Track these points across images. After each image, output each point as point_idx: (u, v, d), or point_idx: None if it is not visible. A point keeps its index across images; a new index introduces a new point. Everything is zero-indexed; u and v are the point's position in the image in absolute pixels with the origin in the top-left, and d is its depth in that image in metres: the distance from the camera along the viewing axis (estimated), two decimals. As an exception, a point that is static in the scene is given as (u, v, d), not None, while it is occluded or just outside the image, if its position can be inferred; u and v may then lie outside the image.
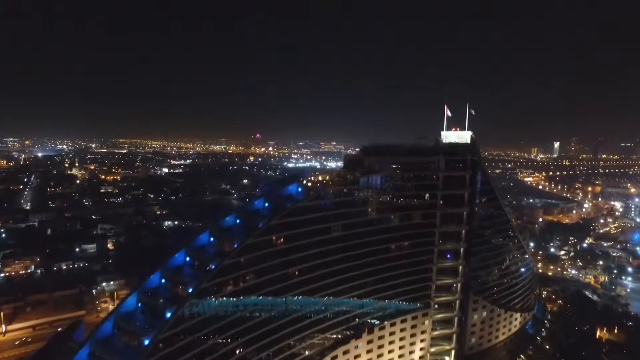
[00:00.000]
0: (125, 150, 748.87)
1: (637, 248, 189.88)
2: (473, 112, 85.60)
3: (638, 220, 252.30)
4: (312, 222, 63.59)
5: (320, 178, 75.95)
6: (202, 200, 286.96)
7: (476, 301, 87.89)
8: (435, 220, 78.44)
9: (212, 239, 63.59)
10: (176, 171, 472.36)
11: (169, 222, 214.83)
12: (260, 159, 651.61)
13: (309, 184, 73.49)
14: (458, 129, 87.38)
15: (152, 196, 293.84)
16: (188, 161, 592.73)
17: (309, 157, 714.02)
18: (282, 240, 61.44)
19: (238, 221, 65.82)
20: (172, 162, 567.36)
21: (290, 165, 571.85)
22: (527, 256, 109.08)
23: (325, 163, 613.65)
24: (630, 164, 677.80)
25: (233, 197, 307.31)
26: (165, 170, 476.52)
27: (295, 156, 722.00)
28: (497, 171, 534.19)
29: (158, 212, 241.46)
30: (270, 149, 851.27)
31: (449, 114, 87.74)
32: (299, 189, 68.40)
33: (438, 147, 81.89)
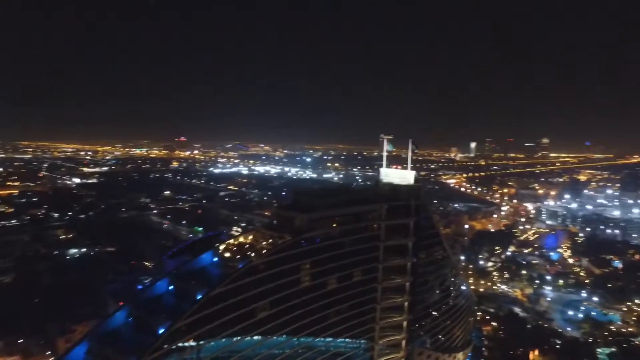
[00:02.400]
0: (29, 156, 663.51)
1: (552, 254, 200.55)
2: (416, 149, 78.75)
3: (549, 222, 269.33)
4: (230, 308, 51.57)
5: (242, 240, 62.99)
6: (117, 218, 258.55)
7: (421, 353, 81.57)
8: (377, 274, 70.31)
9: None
10: (90, 181, 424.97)
11: (75, 250, 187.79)
12: (185, 164, 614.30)
13: (228, 251, 60.27)
14: (399, 167, 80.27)
15: (57, 215, 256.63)
16: (104, 168, 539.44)
17: (236, 160, 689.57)
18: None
19: (130, 319, 51.07)
20: (86, 169, 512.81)
21: (217, 170, 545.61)
22: (465, 288, 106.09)
23: (253, 167, 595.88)
24: (533, 162, 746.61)
25: (153, 212, 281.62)
26: (77, 180, 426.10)
27: (223, 160, 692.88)
28: (422, 173, 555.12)
29: (62, 237, 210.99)
30: (196, 152, 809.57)
31: (389, 149, 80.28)
32: (215, 263, 55.54)
33: (379, 192, 73.83)
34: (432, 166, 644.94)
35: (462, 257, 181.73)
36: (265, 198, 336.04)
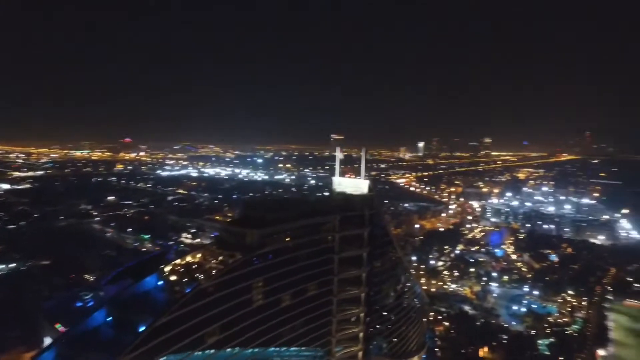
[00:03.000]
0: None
1: (497, 250, 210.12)
2: (368, 157, 78.09)
3: (493, 220, 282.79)
4: (177, 338, 47.82)
5: (189, 260, 58.98)
6: (53, 227, 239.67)
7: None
8: (333, 287, 68.99)
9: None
10: (21, 187, 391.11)
11: (2, 266, 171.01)
12: (130, 167, 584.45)
13: (175, 273, 56.16)
14: (353, 175, 79.45)
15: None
16: (39, 172, 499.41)
17: (185, 162, 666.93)
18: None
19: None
20: (17, 174, 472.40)
21: (165, 173, 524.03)
22: (418, 291, 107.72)
23: (203, 169, 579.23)
24: (477, 161, 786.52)
25: (94, 220, 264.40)
26: (6, 186, 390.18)
27: (171, 162, 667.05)
28: (373, 173, 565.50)
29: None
30: (142, 153, 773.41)
31: (342, 157, 79.24)
32: (160, 287, 51.51)
33: (332, 202, 72.49)
34: (382, 166, 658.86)
35: (414, 258, 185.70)
36: (215, 202, 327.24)
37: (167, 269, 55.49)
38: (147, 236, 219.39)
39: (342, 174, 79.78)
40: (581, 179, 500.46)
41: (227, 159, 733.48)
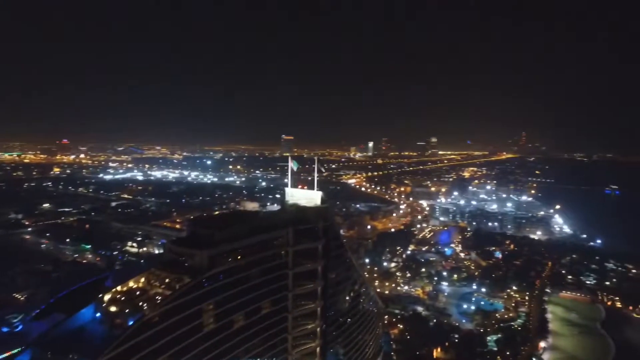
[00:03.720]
0: None
1: (446, 249, 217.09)
2: (323, 169, 76.44)
3: (442, 219, 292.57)
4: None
5: (132, 286, 54.14)
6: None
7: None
8: (287, 303, 66.78)
9: None
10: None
11: None
12: (69, 170, 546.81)
13: (115, 303, 51.08)
14: (306, 187, 77.45)
15: None
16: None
17: (130, 165, 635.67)
18: None
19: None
20: None
21: (108, 177, 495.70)
22: (373, 297, 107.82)
23: (149, 172, 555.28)
24: (425, 160, 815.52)
25: (27, 230, 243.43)
26: None
27: (114, 165, 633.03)
28: (324, 174, 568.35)
29: None
30: (82, 155, 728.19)
31: (294, 168, 77.09)
32: (98, 320, 46.53)
33: (285, 215, 70.09)
34: (333, 166, 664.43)
35: (367, 260, 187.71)
36: (163, 206, 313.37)
37: (106, 297, 50.42)
38: (88, 246, 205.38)
39: (294, 185, 77.65)
40: (519, 177, 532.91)
41: (175, 161, 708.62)
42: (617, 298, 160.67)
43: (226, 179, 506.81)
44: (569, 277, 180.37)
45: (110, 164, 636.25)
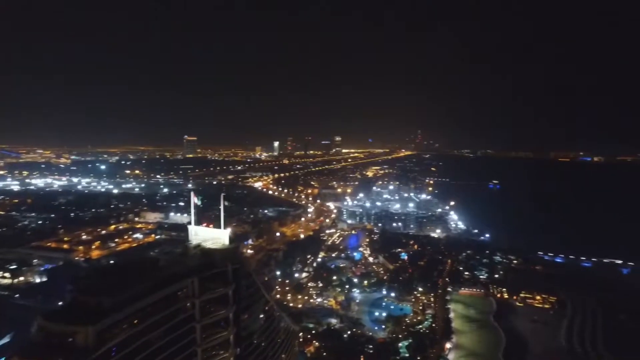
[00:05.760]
0: None
1: (355, 254, 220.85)
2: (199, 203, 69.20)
3: (350, 222, 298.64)
4: None
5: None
6: None
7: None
8: (197, 358, 59.36)
9: None
10: None
11: None
12: None
13: None
14: (212, 225, 70.11)
15: None
16: None
17: (1, 172, 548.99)
18: None
19: None
20: None
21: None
22: (286, 322, 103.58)
23: (28, 181, 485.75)
24: (330, 159, 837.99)
25: None
26: None
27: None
28: (230, 177, 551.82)
29: None
30: None
31: (198, 203, 69.36)
32: None
33: (189, 261, 62.30)
34: (239, 168, 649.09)
35: (278, 273, 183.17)
36: (47, 222, 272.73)
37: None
38: None
39: (198, 222, 69.91)
40: (417, 174, 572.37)
41: (62, 166, 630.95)
42: (505, 289, 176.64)
43: (123, 186, 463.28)
44: (466, 273, 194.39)
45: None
